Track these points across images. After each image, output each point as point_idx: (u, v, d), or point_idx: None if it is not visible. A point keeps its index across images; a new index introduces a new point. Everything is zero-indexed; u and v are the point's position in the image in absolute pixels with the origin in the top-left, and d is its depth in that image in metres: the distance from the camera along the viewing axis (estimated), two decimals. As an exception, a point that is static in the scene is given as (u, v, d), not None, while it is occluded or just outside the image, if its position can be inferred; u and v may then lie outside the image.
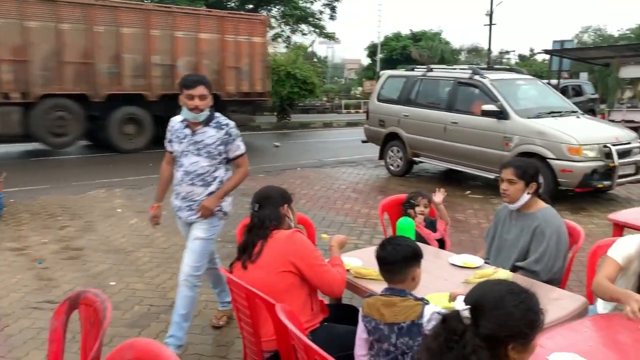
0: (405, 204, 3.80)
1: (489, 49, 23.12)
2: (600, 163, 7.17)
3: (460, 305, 1.47)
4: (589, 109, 15.67)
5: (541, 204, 3.12)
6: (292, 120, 19.92)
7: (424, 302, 2.13)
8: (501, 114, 7.85)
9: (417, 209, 3.73)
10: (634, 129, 12.48)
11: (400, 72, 10.61)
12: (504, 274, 2.73)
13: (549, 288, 2.61)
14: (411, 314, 2.07)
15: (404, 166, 9.68)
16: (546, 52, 16.24)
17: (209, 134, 3.24)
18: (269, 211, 2.60)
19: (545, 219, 3.02)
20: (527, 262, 3.02)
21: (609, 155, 7.20)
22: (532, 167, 3.15)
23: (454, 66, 10.24)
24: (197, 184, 3.26)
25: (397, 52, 35.40)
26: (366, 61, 42.51)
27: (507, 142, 7.78)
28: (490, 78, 8.37)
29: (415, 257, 2.21)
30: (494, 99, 8.03)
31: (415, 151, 9.38)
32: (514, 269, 3.08)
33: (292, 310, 2.20)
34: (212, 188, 3.27)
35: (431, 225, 3.75)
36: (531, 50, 47.70)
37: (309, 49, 29.54)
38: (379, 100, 10.22)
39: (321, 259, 2.54)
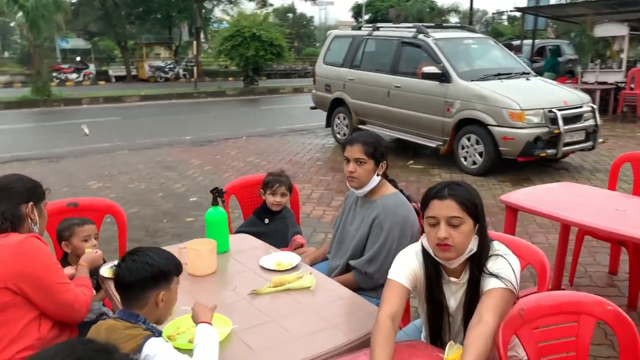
0: (262, 188, 3.16)
1: (471, 7, 22.02)
2: (545, 130, 6.56)
3: None
4: (568, 70, 14.89)
5: (388, 189, 2.54)
6: (260, 86, 19.12)
7: (154, 334, 1.59)
8: (443, 77, 7.18)
9: (271, 198, 3.09)
10: (606, 90, 11.96)
11: (347, 32, 9.85)
12: (308, 280, 2.16)
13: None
14: (127, 346, 1.53)
15: (350, 134, 9.06)
16: (518, 9, 15.32)
17: None
18: (4, 207, 2.00)
19: (385, 209, 2.44)
20: (359, 261, 2.46)
21: (554, 121, 6.59)
22: (382, 142, 2.56)
23: (402, 24, 9.44)
24: None
25: (382, 12, 34.08)
26: (352, 23, 41.20)
27: (449, 107, 7.15)
28: (434, 37, 7.66)
29: (157, 278, 1.66)
30: (436, 60, 7.35)
31: (360, 118, 8.73)
32: (348, 268, 2.53)
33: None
34: None
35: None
36: (497, 10, 46.35)
37: (293, 11, 28.45)
38: (325, 63, 9.51)
39: (61, 275, 1.97)
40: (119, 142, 9.46)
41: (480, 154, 6.88)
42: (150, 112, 14.11)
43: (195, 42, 21.63)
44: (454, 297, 1.88)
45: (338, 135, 9.24)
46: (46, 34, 18.76)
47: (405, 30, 8.21)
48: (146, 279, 1.63)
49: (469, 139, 7.02)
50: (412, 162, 7.81)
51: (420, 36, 7.74)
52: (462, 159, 7.14)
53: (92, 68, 25.10)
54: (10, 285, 1.85)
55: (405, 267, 1.86)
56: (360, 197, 2.58)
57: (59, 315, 1.97)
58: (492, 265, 1.78)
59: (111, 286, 1.99)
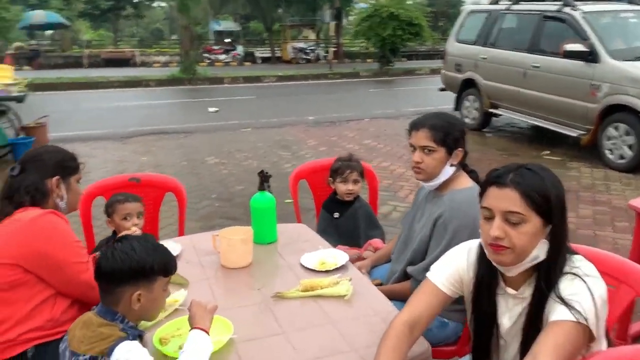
0: (331, 176, 2.78)
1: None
2: None
3: None
4: None
5: (462, 183, 2.08)
6: (395, 67, 18.56)
7: (127, 337, 1.38)
8: (590, 56, 6.17)
9: (342, 187, 2.72)
10: None
11: (483, 6, 8.96)
12: (344, 288, 1.81)
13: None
14: (97, 347, 1.34)
15: (479, 118, 8.30)
16: None
17: None
18: (29, 180, 1.93)
19: (452, 206, 1.98)
20: (416, 267, 2.04)
21: None
22: (457, 126, 2.10)
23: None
24: None
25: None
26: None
27: (594, 91, 6.14)
28: (582, 10, 6.61)
29: (135, 274, 1.42)
30: (583, 37, 6.34)
31: (492, 101, 7.94)
32: (406, 275, 2.13)
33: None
34: None
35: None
36: None
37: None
38: (458, 40, 8.78)
39: (79, 254, 1.85)
40: (247, 120, 9.70)
41: (630, 147, 5.82)
42: (283, 92, 14.38)
43: (334, 24, 21.64)
44: (508, 313, 1.44)
45: (467, 120, 8.50)
46: (198, 16, 20.01)
47: (549, 3, 7.22)
48: (122, 272, 1.40)
49: (616, 129, 5.98)
50: (547, 152, 6.91)
51: (566, 9, 6.73)
52: (607, 152, 6.11)
53: (240, 49, 26.41)
54: (21, 263, 1.76)
55: (449, 267, 1.48)
56: (431, 190, 2.16)
57: (77, 295, 1.87)
58: (565, 286, 1.31)
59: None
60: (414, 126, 2.08)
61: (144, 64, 24.29)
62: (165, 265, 1.47)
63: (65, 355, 1.38)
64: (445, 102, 10.18)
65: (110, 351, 1.33)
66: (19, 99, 6.89)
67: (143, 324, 1.62)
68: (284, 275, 1.99)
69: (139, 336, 1.45)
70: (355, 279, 1.90)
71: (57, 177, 1.95)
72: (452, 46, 8.87)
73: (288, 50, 26.42)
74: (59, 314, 1.84)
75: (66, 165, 2.01)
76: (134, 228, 2.27)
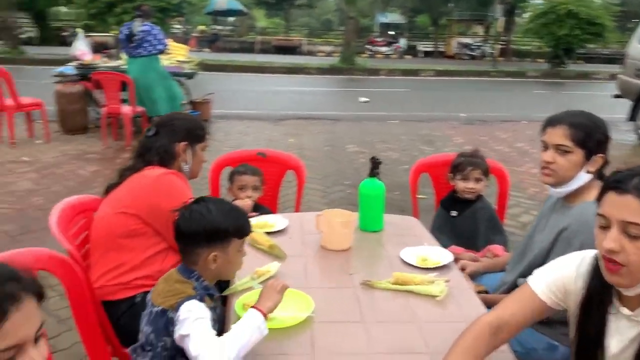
0: (451, 172, 2.60)
1: None
2: None
3: None
4: None
5: (594, 194, 1.82)
6: (568, 69, 17.00)
7: (196, 296, 1.41)
8: None
9: (462, 184, 2.55)
10: None
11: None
12: (438, 288, 1.69)
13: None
14: (168, 301, 1.42)
15: (660, 133, 7.28)
16: None
17: None
18: (161, 142, 2.11)
19: (581, 220, 1.73)
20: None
21: None
22: (601, 128, 1.84)
23: None
24: None
25: None
26: None
27: None
28: None
29: (210, 236, 1.45)
30: None
31: (677, 114, 6.91)
32: (516, 287, 1.92)
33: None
34: None
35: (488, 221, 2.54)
36: None
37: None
38: (642, 42, 7.77)
39: None
40: (396, 112, 9.63)
41: None
42: (440, 87, 14.01)
43: (505, 19, 20.48)
44: (619, 336, 1.25)
45: (641, 132, 7.53)
46: (365, 8, 20.27)
47: None
48: (197, 233, 1.45)
49: None
50: None
51: None
52: None
53: (402, 42, 26.26)
54: (142, 215, 1.94)
55: (553, 274, 1.33)
56: (559, 199, 1.93)
57: None
58: None
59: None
60: (551, 122, 1.87)
61: (309, 53, 25.32)
62: (240, 228, 1.49)
63: (148, 305, 1.48)
64: (617, 111, 9.13)
65: (177, 307, 1.38)
66: (189, 76, 7.61)
67: (232, 288, 1.69)
68: (380, 265, 1.93)
69: (210, 295, 1.49)
70: (454, 281, 1.77)
71: (185, 142, 2.11)
72: (635, 49, 7.87)
73: (452, 45, 25.64)
74: (168, 267, 1.98)
75: (195, 133, 2.16)
76: (247, 200, 2.37)
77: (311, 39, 29.15)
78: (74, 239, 1.93)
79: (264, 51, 24.41)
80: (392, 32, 27.78)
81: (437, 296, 1.67)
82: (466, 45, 25.38)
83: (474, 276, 2.21)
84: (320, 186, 5.33)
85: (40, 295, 0.91)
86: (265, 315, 1.37)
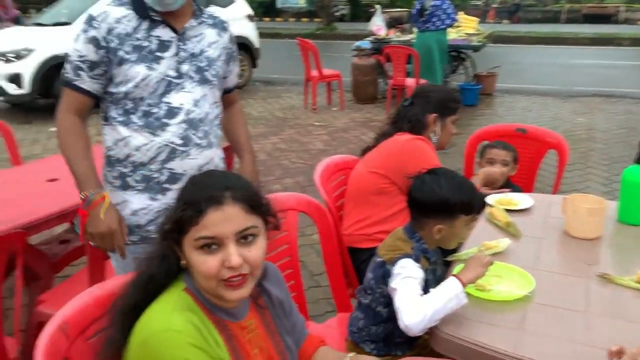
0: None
1: None
2: None
3: None
4: None
5: None
6: None
7: (411, 256, 1.54)
8: None
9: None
10: None
11: None
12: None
13: None
14: (388, 255, 1.61)
15: None
16: None
17: (209, 39, 1.71)
18: (414, 111, 2.25)
19: None
20: None
21: None
22: None
23: None
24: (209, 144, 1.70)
25: None
26: None
27: None
28: None
29: (438, 209, 1.54)
30: None
31: None
32: None
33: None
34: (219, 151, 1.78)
35: None
36: None
37: None
38: None
39: None
40: None
41: None
42: None
43: None
44: None
45: None
46: None
47: None
48: (426, 205, 1.55)
49: None
50: None
51: None
52: None
53: None
54: (389, 174, 2.15)
55: None
56: None
57: None
58: None
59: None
60: None
61: (627, 21, 21.99)
62: (468, 204, 1.54)
63: (375, 254, 1.68)
64: None
65: (394, 261, 1.54)
66: (476, 48, 7.54)
67: (456, 255, 1.77)
68: (629, 262, 1.73)
69: (427, 257, 1.59)
70: None
71: (435, 114, 2.22)
72: None
73: None
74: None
75: (446, 106, 2.26)
76: (495, 168, 2.36)
77: (630, 5, 25.20)
78: (333, 191, 2.26)
79: (571, 20, 22.21)
80: None
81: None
82: None
83: None
84: (605, 173, 4.79)
85: (252, 207, 1.05)
86: (464, 285, 1.41)
